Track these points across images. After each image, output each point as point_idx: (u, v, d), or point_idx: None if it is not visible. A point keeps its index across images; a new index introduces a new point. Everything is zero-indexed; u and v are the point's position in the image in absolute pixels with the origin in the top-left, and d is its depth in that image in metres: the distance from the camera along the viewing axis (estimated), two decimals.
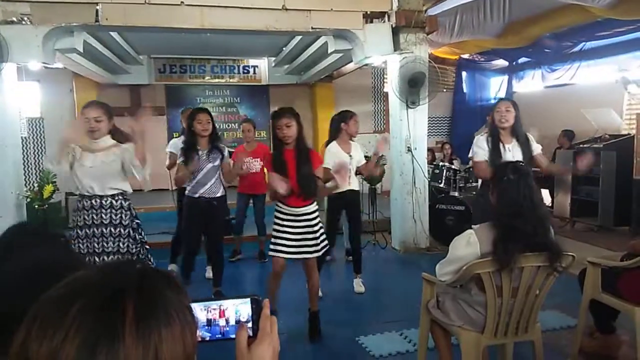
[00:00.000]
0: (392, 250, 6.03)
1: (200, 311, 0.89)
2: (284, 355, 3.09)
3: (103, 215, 3.14)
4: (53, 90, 8.45)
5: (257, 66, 9.32)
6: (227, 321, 0.91)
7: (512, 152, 3.79)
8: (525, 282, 2.28)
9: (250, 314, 0.91)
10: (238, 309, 0.91)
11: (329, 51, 5.96)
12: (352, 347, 3.38)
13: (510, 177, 2.30)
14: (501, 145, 3.82)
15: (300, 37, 6.58)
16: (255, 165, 5.27)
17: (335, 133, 4.55)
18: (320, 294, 4.17)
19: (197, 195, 4.00)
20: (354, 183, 4.49)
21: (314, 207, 3.45)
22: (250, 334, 0.90)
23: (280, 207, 3.42)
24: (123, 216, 3.18)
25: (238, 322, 0.91)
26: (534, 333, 2.47)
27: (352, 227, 4.59)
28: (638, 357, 2.64)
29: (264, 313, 0.92)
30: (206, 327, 0.90)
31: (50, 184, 6.41)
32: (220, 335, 0.91)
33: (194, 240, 4.13)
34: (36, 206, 6.23)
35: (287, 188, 3.19)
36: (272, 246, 3.45)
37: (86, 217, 3.13)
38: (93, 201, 3.13)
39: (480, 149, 3.90)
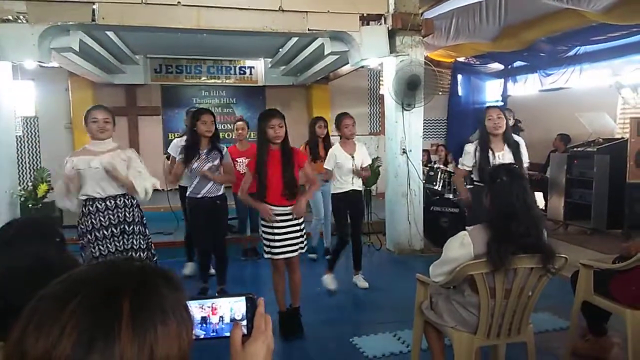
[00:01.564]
0: (387, 252, 6.04)
1: (196, 309, 0.90)
2: (278, 355, 3.10)
3: (119, 214, 3.25)
4: (48, 89, 8.42)
5: (253, 67, 9.32)
6: (221, 319, 0.91)
7: (502, 159, 3.84)
8: (518, 284, 2.29)
9: (244, 312, 0.92)
10: (233, 307, 0.92)
11: (326, 53, 5.97)
12: (345, 348, 3.39)
13: (503, 179, 2.32)
14: (491, 153, 3.86)
15: (296, 38, 6.59)
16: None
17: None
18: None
19: (200, 196, 4.05)
20: (357, 183, 4.58)
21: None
22: (245, 332, 0.91)
23: (260, 204, 3.47)
24: (135, 213, 3.31)
25: (233, 320, 0.91)
26: (527, 334, 2.49)
27: (352, 225, 4.65)
28: (629, 359, 2.66)
29: (258, 311, 0.92)
30: (201, 325, 0.91)
31: (45, 183, 6.39)
32: (215, 334, 0.91)
33: (205, 239, 4.18)
34: (30, 205, 6.20)
35: (271, 219, 3.38)
36: (266, 249, 3.50)
37: (102, 218, 3.21)
38: (108, 202, 3.22)
39: (468, 157, 3.99)
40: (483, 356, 2.82)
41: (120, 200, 3.26)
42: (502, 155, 3.87)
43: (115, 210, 3.24)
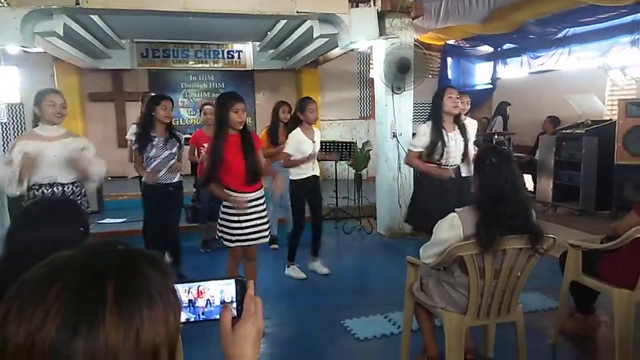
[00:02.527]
0: (378, 236, 6.07)
1: (184, 292, 0.89)
2: (268, 338, 3.13)
3: None
4: (33, 75, 8.28)
5: (241, 51, 9.22)
6: (210, 302, 0.91)
7: (455, 141, 3.84)
8: (508, 264, 2.31)
9: (234, 294, 0.92)
10: (222, 289, 0.92)
11: (314, 36, 5.91)
12: (337, 331, 3.41)
13: (493, 161, 2.32)
14: (444, 132, 3.83)
15: (285, 21, 6.52)
16: None
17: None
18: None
19: (154, 183, 3.95)
20: (316, 169, 4.49)
21: (261, 192, 3.44)
22: (235, 314, 0.90)
23: (231, 195, 3.31)
24: (84, 202, 3.26)
25: (222, 302, 0.91)
26: (516, 314, 2.52)
27: (313, 211, 4.55)
28: (616, 337, 2.71)
29: (248, 294, 0.92)
30: (190, 309, 0.90)
31: None
32: (204, 316, 0.91)
33: (156, 228, 4.09)
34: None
35: (244, 207, 3.25)
36: (226, 237, 3.35)
37: None
38: (55, 189, 3.15)
39: (421, 137, 3.91)
40: (474, 336, 2.86)
41: (68, 188, 3.19)
42: (454, 136, 3.86)
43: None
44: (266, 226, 3.44)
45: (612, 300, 2.76)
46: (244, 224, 3.31)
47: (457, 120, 3.91)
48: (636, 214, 2.72)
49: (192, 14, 5.36)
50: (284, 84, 9.64)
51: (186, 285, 0.90)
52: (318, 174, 4.53)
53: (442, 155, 3.83)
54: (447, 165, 3.88)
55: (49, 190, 3.14)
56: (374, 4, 5.71)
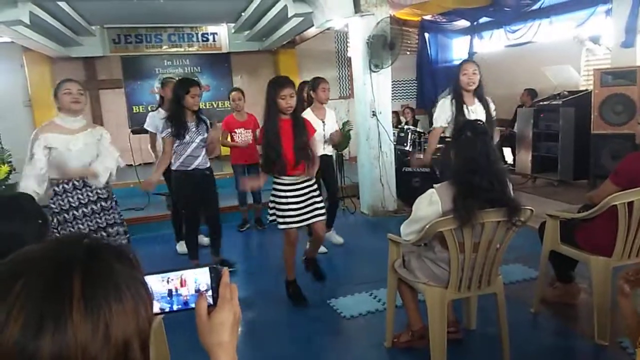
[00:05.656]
0: (361, 215, 6.10)
1: (160, 283, 0.88)
2: (257, 320, 3.13)
3: (89, 194, 3.19)
4: (3, 66, 8.08)
5: (216, 33, 9.07)
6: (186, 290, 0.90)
7: (475, 113, 3.85)
8: (486, 238, 2.34)
9: (209, 282, 0.91)
10: (197, 278, 0.91)
11: (289, 15, 5.85)
12: (323, 310, 3.44)
13: (467, 135, 2.33)
14: (465, 107, 3.88)
15: (259, 0, 6.41)
16: (248, 136, 5.23)
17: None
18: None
19: (191, 168, 3.95)
20: (327, 148, 4.59)
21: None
22: (211, 302, 0.90)
23: (280, 179, 3.43)
24: (106, 190, 3.26)
25: (197, 291, 0.90)
26: (497, 286, 2.56)
27: (328, 189, 4.68)
28: (594, 303, 2.78)
29: (223, 281, 0.91)
30: (167, 299, 0.89)
31: (6, 165, 6.17)
32: (180, 306, 0.90)
33: (195, 214, 4.10)
34: None
35: (259, 185, 3.42)
36: (280, 219, 3.44)
37: (71, 199, 3.14)
38: (75, 182, 3.15)
39: (443, 113, 3.98)
40: (457, 308, 2.91)
41: (87, 178, 3.19)
42: (475, 109, 3.89)
43: (84, 189, 3.17)
44: (320, 205, 3.52)
45: (589, 268, 2.82)
46: (294, 206, 3.41)
47: (477, 94, 3.91)
48: (611, 183, 2.77)
49: None
50: (261, 65, 9.53)
51: (161, 275, 0.89)
52: (329, 153, 4.69)
53: None
54: None
55: (70, 185, 3.14)
56: None
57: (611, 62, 6.16)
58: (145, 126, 4.85)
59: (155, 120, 4.62)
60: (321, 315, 3.41)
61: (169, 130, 3.82)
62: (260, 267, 4.53)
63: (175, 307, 0.90)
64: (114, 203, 3.34)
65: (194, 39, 9.02)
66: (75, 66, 8.61)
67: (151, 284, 0.82)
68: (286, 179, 3.40)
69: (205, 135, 3.98)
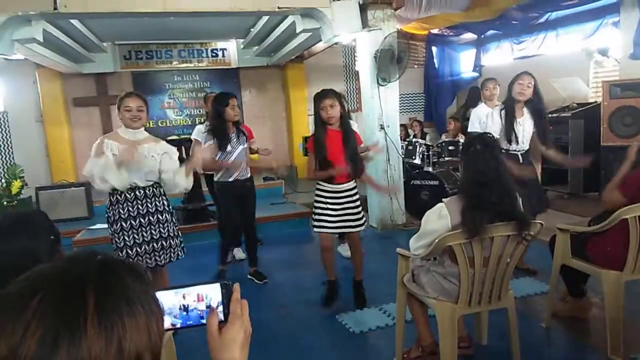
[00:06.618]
0: (370, 229, 6.08)
1: (173, 298, 0.89)
2: (264, 335, 3.11)
3: (148, 204, 3.23)
4: (15, 82, 8.19)
5: (225, 49, 9.16)
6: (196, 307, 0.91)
7: (522, 125, 3.87)
8: (496, 252, 2.33)
9: (220, 299, 0.91)
10: (208, 294, 0.91)
11: (297, 31, 5.89)
12: (332, 325, 3.42)
13: (477, 148, 2.33)
14: (515, 120, 3.90)
15: (267, 17, 6.49)
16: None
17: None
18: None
19: (231, 179, 4.09)
20: None
21: (354, 183, 3.64)
22: (222, 318, 0.90)
23: (322, 186, 3.56)
24: (164, 202, 3.31)
25: (208, 307, 0.91)
26: (507, 300, 2.54)
27: None
28: (607, 317, 2.75)
29: (234, 297, 0.92)
30: (179, 314, 0.90)
31: (18, 180, 6.25)
32: (191, 322, 0.91)
33: (236, 221, 4.21)
34: (5, 202, 6.07)
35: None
36: (315, 223, 3.58)
37: (130, 208, 3.18)
38: (137, 192, 3.19)
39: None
40: (467, 324, 2.88)
41: (149, 190, 3.23)
42: (523, 121, 3.90)
43: (144, 200, 3.21)
44: (359, 215, 3.60)
45: (601, 282, 2.79)
46: (331, 212, 3.53)
47: (528, 106, 3.92)
48: (619, 192, 2.75)
49: (173, 14, 5.33)
50: (270, 80, 9.60)
51: (174, 291, 0.90)
52: None
53: (510, 141, 3.89)
54: (516, 151, 3.94)
55: (132, 194, 3.17)
56: None
57: (620, 74, 6.14)
58: (192, 136, 4.93)
59: (200, 131, 4.69)
60: (330, 330, 3.39)
61: (211, 142, 4.00)
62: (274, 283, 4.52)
63: (186, 323, 0.90)
64: (169, 215, 3.35)
65: (204, 54, 9.12)
66: (86, 82, 8.73)
67: (164, 299, 0.83)
68: (328, 186, 3.53)
69: (246, 145, 4.14)
